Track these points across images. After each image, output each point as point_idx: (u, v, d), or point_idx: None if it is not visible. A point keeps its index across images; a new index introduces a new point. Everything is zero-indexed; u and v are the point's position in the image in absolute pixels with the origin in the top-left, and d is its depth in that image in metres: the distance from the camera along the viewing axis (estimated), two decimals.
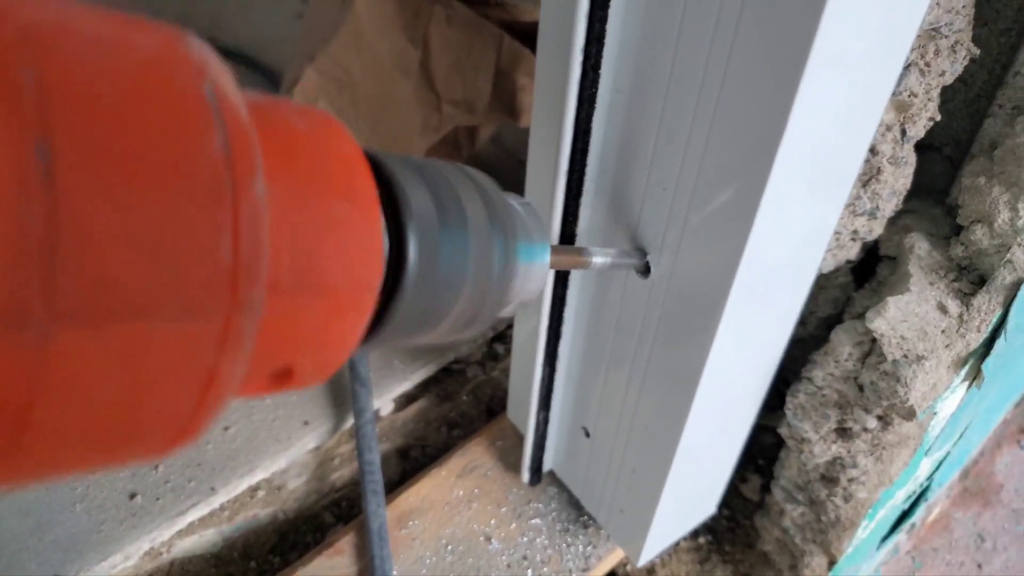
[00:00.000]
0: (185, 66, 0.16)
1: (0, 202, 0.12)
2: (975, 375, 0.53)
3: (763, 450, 0.72)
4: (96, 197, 0.14)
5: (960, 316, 0.46)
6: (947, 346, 0.47)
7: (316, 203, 0.20)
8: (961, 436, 0.73)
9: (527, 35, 0.62)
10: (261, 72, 1.01)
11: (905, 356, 0.46)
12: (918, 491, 0.74)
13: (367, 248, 0.21)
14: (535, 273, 0.30)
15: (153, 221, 0.15)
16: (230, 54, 1.04)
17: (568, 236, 0.46)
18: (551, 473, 0.66)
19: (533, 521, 0.62)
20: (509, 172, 0.88)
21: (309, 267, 0.19)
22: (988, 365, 0.50)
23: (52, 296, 0.13)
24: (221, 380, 0.17)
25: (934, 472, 0.74)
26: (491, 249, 0.26)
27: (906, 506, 0.74)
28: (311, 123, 0.21)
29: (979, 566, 0.86)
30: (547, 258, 0.31)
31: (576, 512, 0.64)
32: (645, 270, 0.43)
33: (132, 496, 0.60)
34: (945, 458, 0.73)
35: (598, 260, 0.39)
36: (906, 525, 0.79)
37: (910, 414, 0.48)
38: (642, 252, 0.43)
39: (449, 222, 0.25)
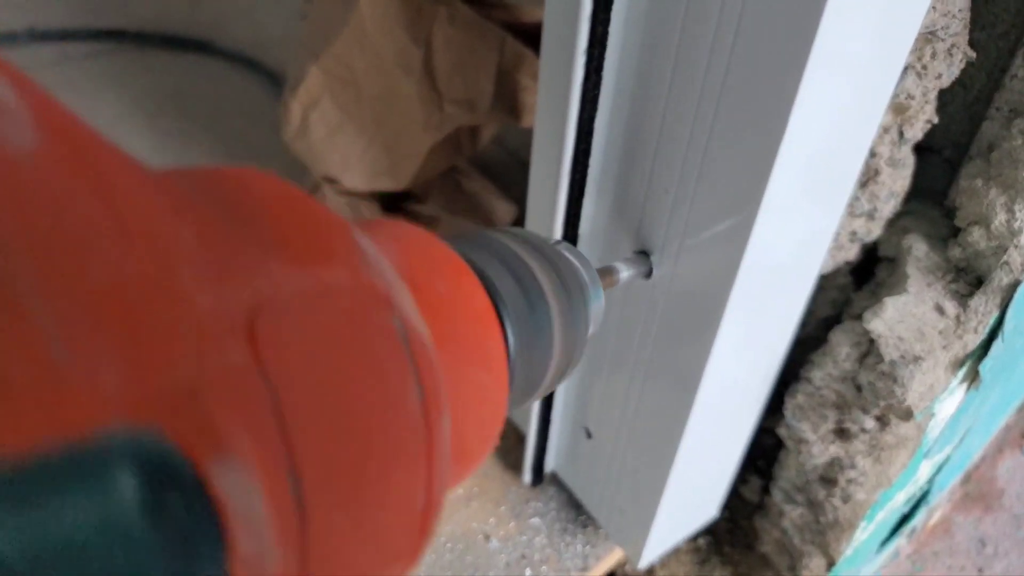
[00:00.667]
0: (377, 303, 0.15)
1: (269, 561, 0.11)
2: (973, 377, 0.53)
3: (764, 452, 0.72)
4: (334, 511, 0.13)
5: (957, 317, 0.46)
6: (944, 347, 0.47)
7: (466, 382, 0.19)
8: (962, 440, 0.73)
9: (530, 36, 0.62)
10: (263, 73, 1.02)
11: (902, 357, 0.46)
12: (918, 495, 0.74)
13: (499, 412, 0.21)
14: (596, 313, 0.32)
15: (373, 508, 0.14)
16: (232, 55, 1.05)
17: (571, 238, 0.47)
18: (552, 475, 0.66)
19: (532, 520, 0.63)
20: (511, 173, 0.88)
21: (455, 445, 0.19)
22: (986, 367, 0.50)
23: None
24: None
25: (934, 476, 0.74)
26: (568, 316, 0.28)
27: (906, 509, 0.74)
28: (448, 280, 0.20)
29: (980, 570, 0.86)
30: (601, 295, 0.32)
31: (575, 512, 0.64)
32: (647, 272, 0.44)
33: None
34: (946, 462, 0.73)
35: (624, 276, 0.40)
36: (906, 529, 0.79)
37: (907, 414, 0.48)
38: (645, 254, 0.43)
39: (535, 308, 0.26)
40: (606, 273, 0.38)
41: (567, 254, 0.31)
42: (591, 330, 0.31)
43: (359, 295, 0.14)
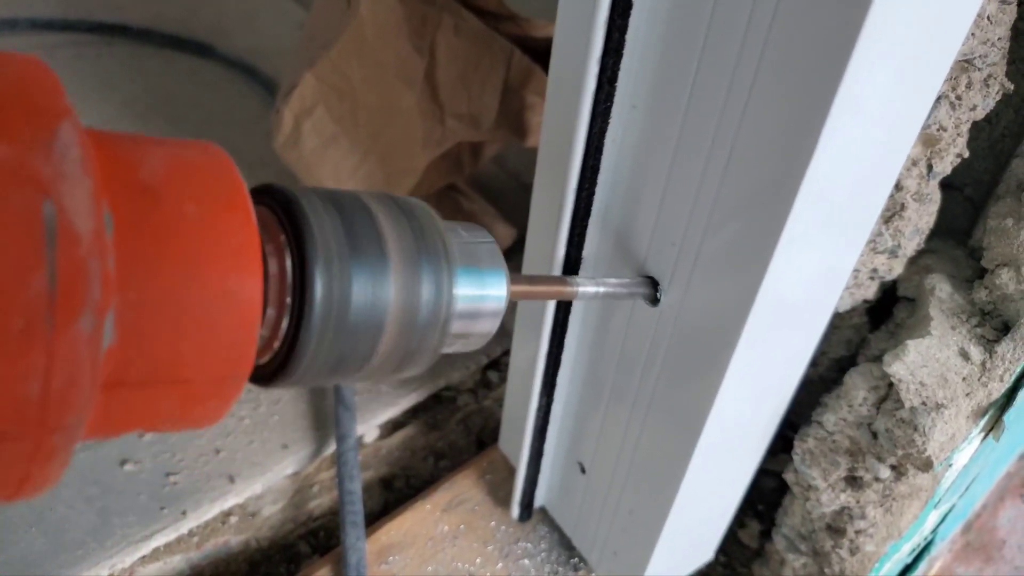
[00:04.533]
0: (25, 185, 0.15)
1: None
2: (992, 426, 0.50)
3: (763, 495, 0.69)
4: None
5: (983, 364, 0.43)
6: (968, 395, 0.44)
7: (180, 306, 0.19)
8: (967, 488, 0.70)
9: (539, 52, 0.60)
10: (260, 82, 0.99)
11: (924, 403, 0.43)
12: (922, 544, 0.71)
13: (236, 344, 0.20)
14: (486, 307, 0.28)
15: None
16: (230, 63, 1.03)
17: (574, 260, 0.44)
18: (542, 511, 0.63)
19: (521, 562, 0.59)
20: (511, 195, 0.86)
21: (163, 364, 0.19)
22: (1010, 416, 0.47)
23: None
24: (36, 479, 0.17)
25: (938, 525, 0.71)
26: (418, 284, 0.24)
27: (909, 560, 0.71)
28: (206, 207, 0.20)
29: None
30: (503, 289, 0.28)
31: (567, 553, 0.60)
32: (653, 300, 0.41)
33: (96, 516, 0.56)
34: (950, 511, 0.71)
35: (587, 290, 0.35)
36: None
37: (927, 465, 0.45)
38: (651, 281, 0.41)
39: (364, 254, 0.23)
40: (553, 281, 0.35)
41: (464, 233, 0.28)
42: (481, 323, 0.28)
43: (5, 171, 0.15)
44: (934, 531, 0.71)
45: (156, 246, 0.18)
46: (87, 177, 0.17)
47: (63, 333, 0.15)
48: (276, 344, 0.23)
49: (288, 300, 0.22)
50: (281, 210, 0.23)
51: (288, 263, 0.22)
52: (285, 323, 0.22)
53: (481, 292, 0.27)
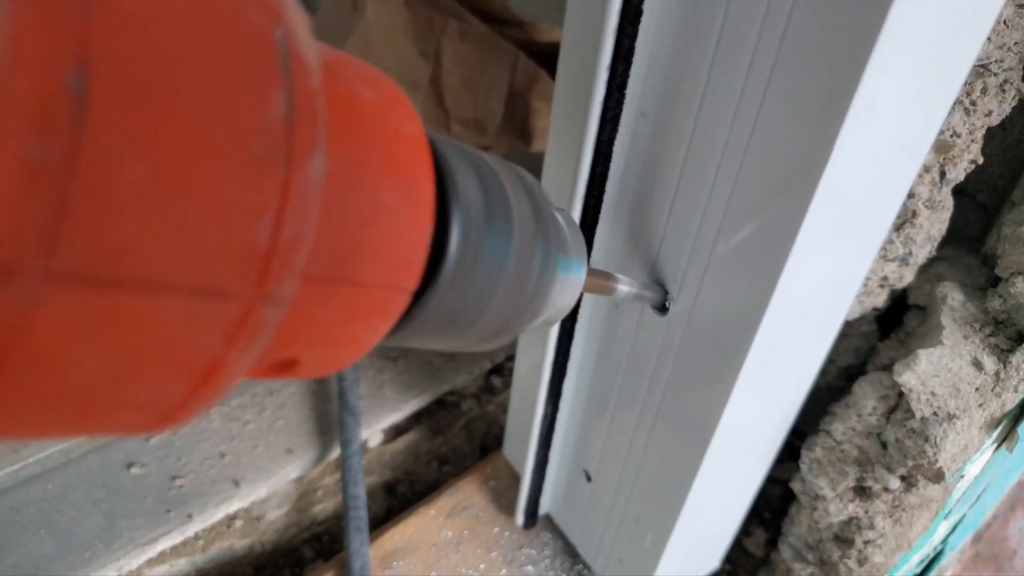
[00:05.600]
0: (258, 7, 0.13)
1: (16, 128, 0.10)
2: (1006, 437, 0.50)
3: (769, 503, 0.68)
4: (129, 144, 0.11)
5: (996, 374, 0.43)
6: (980, 405, 0.43)
7: (369, 189, 0.17)
8: (978, 499, 0.69)
9: (544, 56, 0.59)
10: None
11: (935, 414, 0.43)
12: (931, 555, 0.70)
13: (411, 247, 0.19)
14: (570, 288, 0.28)
15: (187, 186, 0.12)
16: None
17: None
18: (546, 517, 0.62)
19: (525, 568, 0.58)
20: None
21: (344, 258, 0.17)
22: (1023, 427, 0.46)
23: (53, 253, 0.11)
24: (226, 370, 0.14)
25: (948, 535, 0.70)
26: (533, 253, 0.24)
27: (919, 570, 0.70)
28: (378, 93, 0.18)
29: None
30: (583, 274, 0.29)
31: (571, 561, 0.60)
32: (662, 306, 0.40)
33: (103, 519, 0.56)
34: (960, 521, 0.70)
35: (623, 288, 0.36)
36: None
37: (938, 476, 0.44)
38: (661, 287, 0.40)
39: (495, 217, 0.22)
40: (602, 275, 0.34)
41: (557, 214, 0.28)
42: (562, 301, 0.28)
43: None
44: (944, 541, 0.70)
45: (342, 119, 0.17)
46: (303, 16, 0.15)
47: (299, 168, 0.14)
48: None
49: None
50: None
51: None
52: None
53: (568, 276, 0.27)
